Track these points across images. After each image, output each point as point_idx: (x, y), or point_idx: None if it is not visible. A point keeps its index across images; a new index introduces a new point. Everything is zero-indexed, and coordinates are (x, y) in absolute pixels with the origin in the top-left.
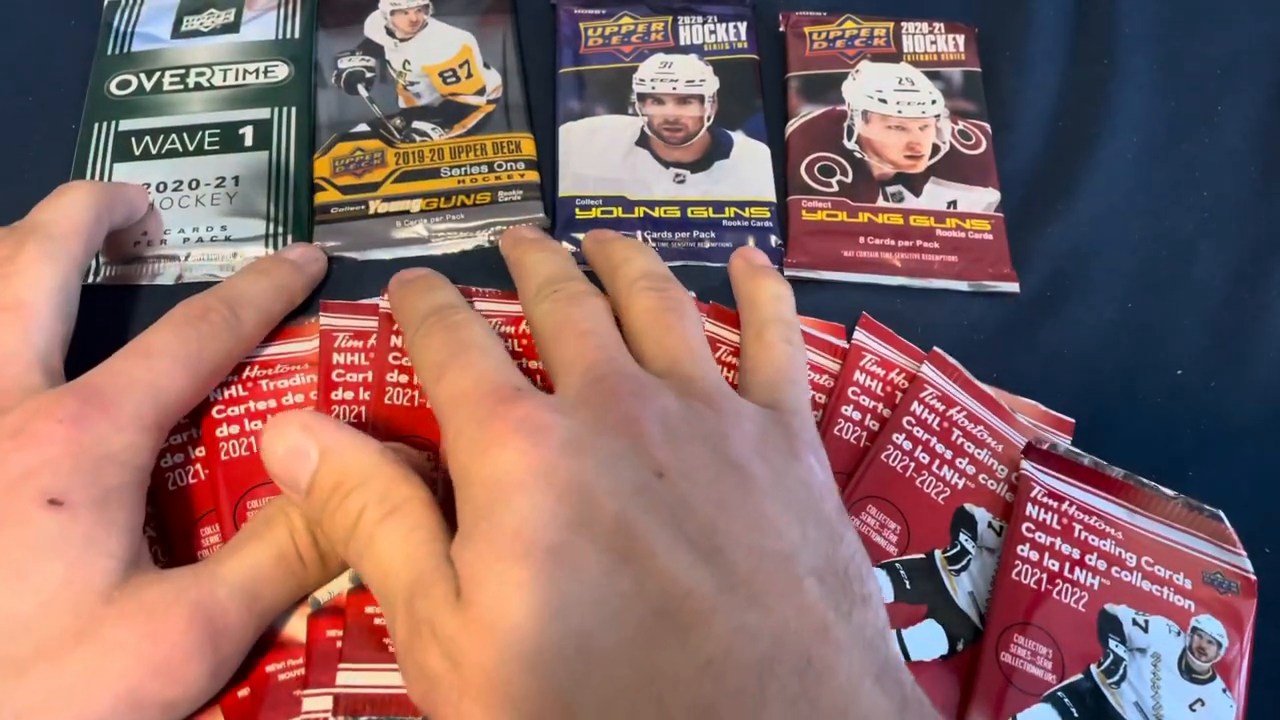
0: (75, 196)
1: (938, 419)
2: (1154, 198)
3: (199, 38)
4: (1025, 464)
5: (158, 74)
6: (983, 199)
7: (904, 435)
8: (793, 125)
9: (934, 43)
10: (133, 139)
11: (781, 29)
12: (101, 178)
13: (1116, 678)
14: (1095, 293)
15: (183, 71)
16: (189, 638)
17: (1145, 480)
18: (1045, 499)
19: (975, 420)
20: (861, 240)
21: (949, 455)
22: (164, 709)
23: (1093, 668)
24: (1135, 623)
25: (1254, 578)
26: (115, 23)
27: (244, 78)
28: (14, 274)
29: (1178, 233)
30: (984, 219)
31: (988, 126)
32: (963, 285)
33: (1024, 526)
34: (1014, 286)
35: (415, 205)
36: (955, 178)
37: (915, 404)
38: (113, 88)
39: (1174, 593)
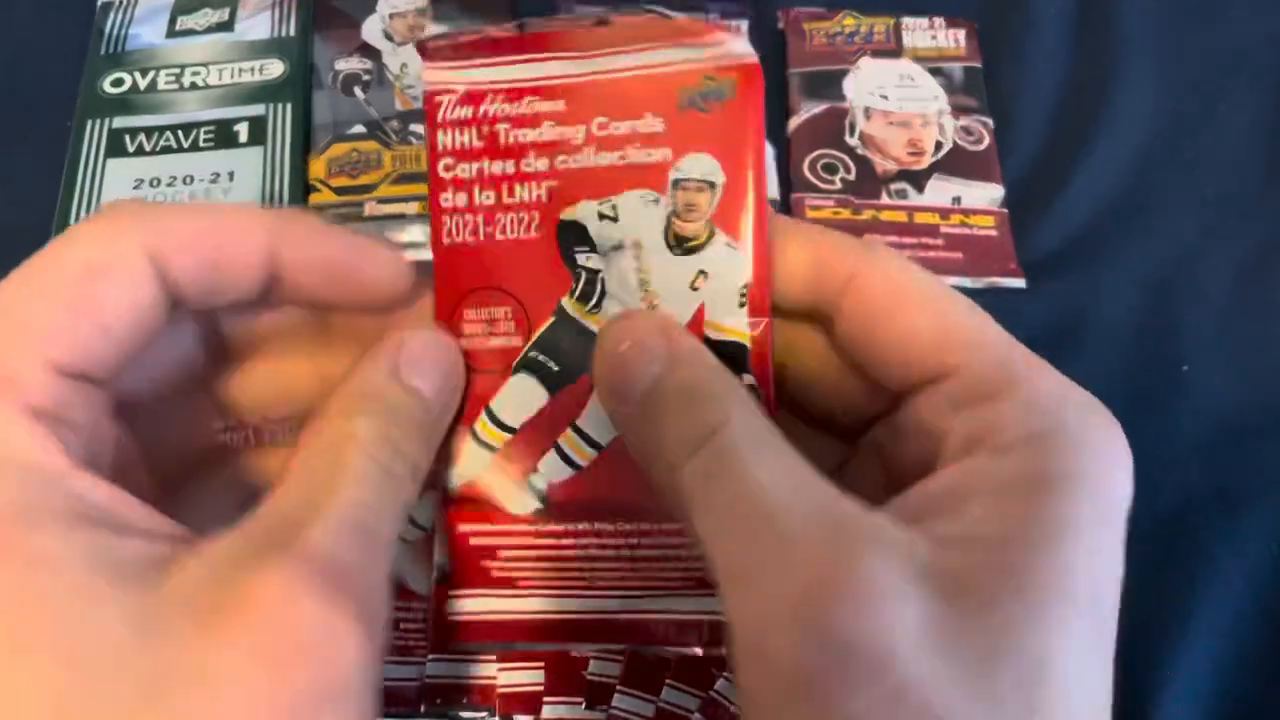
0: None
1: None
2: (1157, 195)
3: (193, 37)
4: (426, 73)
5: (152, 73)
6: (987, 195)
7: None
8: (794, 123)
9: (934, 38)
10: (126, 136)
11: (780, 26)
12: (95, 174)
13: (593, 301)
14: (1100, 289)
15: (177, 70)
16: None
17: (598, 10)
18: (459, 112)
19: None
20: (866, 238)
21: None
22: None
23: (563, 302)
24: (602, 216)
25: (753, 59)
26: (109, 23)
27: (239, 76)
28: None
29: (1182, 230)
30: (988, 215)
31: (990, 122)
32: (967, 282)
33: (440, 165)
34: (1020, 282)
35: (412, 208)
36: (959, 174)
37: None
38: (106, 86)
39: (641, 149)
